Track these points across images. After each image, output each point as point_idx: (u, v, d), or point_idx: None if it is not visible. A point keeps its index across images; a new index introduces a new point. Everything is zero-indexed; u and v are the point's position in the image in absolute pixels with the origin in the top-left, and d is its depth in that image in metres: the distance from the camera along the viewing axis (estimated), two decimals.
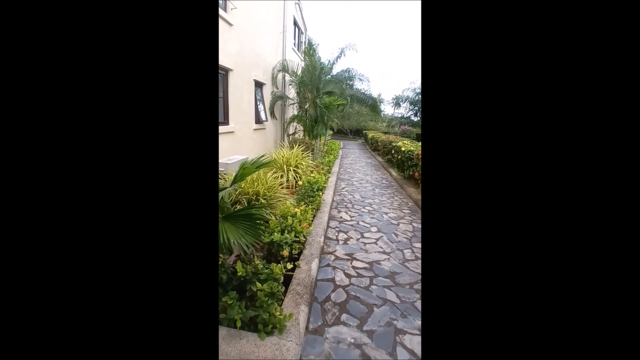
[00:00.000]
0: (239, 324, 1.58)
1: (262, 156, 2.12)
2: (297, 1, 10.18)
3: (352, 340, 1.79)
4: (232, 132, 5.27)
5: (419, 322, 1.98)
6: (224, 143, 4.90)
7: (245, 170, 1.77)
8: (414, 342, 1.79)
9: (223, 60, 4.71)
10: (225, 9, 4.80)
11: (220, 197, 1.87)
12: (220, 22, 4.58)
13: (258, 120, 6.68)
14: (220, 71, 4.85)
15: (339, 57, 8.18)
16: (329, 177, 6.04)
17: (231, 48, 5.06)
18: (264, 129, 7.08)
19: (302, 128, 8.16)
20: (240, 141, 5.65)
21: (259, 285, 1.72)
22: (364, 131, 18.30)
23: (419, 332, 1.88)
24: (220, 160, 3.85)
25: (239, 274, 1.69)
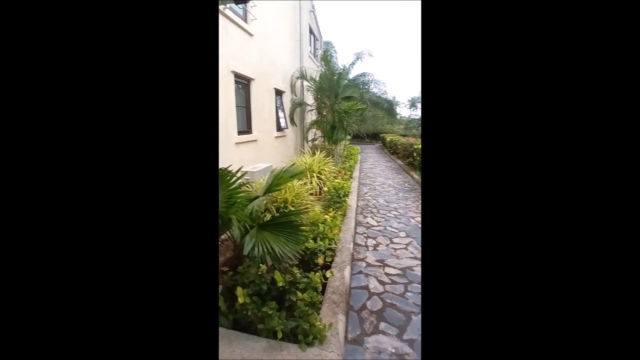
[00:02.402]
0: (279, 335, 1.57)
1: (292, 164, 2.12)
2: (312, 9, 10.30)
3: (394, 350, 1.74)
4: (255, 140, 5.35)
5: None
6: (248, 152, 4.97)
7: (281, 180, 1.77)
8: None
9: (245, 70, 4.80)
10: (245, 20, 4.91)
11: (252, 207, 1.88)
12: (241, 32, 4.69)
13: (279, 127, 6.75)
14: (242, 81, 4.96)
15: (354, 62, 8.19)
16: (351, 182, 5.99)
17: (252, 58, 5.16)
18: (285, 136, 7.15)
19: (320, 134, 8.17)
20: (262, 149, 5.72)
21: (299, 294, 1.70)
22: (381, 134, 18.13)
23: None
24: (246, 169, 3.90)
25: (279, 284, 1.68)
